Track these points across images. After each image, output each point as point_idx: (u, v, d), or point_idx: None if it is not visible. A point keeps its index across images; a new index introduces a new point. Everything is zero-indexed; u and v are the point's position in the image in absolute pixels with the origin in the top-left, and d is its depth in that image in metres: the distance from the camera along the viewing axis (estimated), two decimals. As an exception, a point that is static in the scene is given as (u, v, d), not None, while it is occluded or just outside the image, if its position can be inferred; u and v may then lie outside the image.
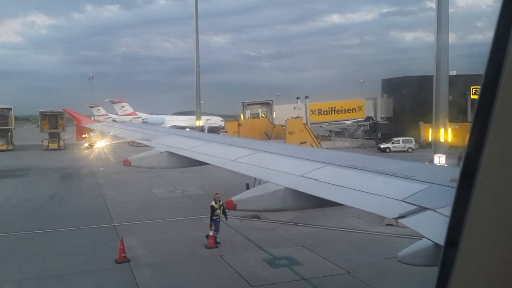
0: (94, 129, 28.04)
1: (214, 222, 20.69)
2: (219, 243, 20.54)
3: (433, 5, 24.95)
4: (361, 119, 79.25)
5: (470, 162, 1.74)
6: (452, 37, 25.12)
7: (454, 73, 59.89)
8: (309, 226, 23.50)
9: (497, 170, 1.68)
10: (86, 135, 26.86)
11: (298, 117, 54.05)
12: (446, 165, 21.78)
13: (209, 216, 20.79)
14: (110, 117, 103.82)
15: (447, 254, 1.84)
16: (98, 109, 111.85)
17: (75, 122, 34.37)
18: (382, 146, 64.84)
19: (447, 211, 4.56)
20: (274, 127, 56.35)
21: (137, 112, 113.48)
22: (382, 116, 76.51)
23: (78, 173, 45.34)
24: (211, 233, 20.37)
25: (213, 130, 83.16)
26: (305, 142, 39.57)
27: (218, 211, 20.69)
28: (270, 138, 49.86)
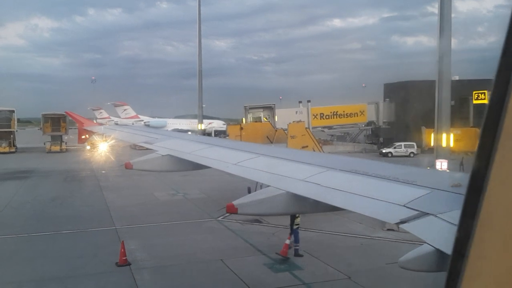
0: (96, 132, 28.10)
1: (295, 231, 19.60)
2: (302, 255, 19.35)
3: (434, 10, 25.06)
4: (363, 124, 79.25)
5: (480, 166, 1.70)
6: (453, 42, 25.10)
7: (457, 78, 59.89)
8: (310, 230, 23.43)
9: (508, 175, 1.64)
10: (87, 135, 26.91)
11: (300, 121, 54.05)
12: (448, 170, 21.74)
13: (291, 225, 19.50)
14: (113, 120, 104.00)
15: (454, 262, 1.80)
16: (100, 112, 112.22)
17: (77, 124, 34.49)
18: (384, 151, 64.80)
19: (449, 216, 4.56)
20: (276, 131, 56.29)
21: (139, 115, 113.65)
22: (384, 120, 76.50)
23: (80, 175, 45.37)
24: (287, 241, 19.37)
25: (220, 133, 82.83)
26: (307, 146, 39.52)
27: (299, 219, 19.44)
28: (272, 142, 49.86)
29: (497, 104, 1.65)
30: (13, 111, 72.42)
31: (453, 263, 1.81)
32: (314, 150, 37.76)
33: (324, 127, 76.66)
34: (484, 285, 1.71)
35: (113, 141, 22.69)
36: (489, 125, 1.68)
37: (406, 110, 72.08)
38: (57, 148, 71.39)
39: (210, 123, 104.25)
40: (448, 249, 3.96)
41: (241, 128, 54.79)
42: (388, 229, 22.43)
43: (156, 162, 12.32)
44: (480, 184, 1.68)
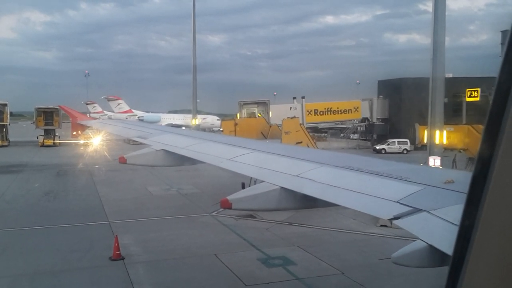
0: (89, 126, 27.95)
1: None
2: None
3: (426, 8, 25.31)
4: (357, 120, 79.40)
5: (483, 164, 1.70)
6: (445, 40, 25.27)
7: (450, 75, 60.08)
8: (304, 226, 23.54)
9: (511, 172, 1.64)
10: (79, 131, 26.75)
11: (294, 117, 54.02)
12: (441, 167, 21.87)
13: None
14: (106, 115, 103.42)
15: (457, 256, 1.80)
16: (94, 106, 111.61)
17: (70, 119, 34.27)
18: (377, 147, 65.01)
19: (442, 213, 4.60)
20: (271, 126, 56.28)
21: (133, 110, 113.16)
22: (378, 117, 76.71)
23: (73, 170, 45.18)
24: None
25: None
26: (301, 142, 39.58)
27: None
28: (266, 138, 49.85)
29: (501, 98, 1.65)
30: (5, 105, 71.85)
31: (455, 258, 1.81)
32: (308, 146, 37.85)
33: (318, 123, 76.73)
34: (487, 279, 1.72)
35: (107, 135, 22.59)
36: (493, 118, 1.67)
37: (399, 107, 72.35)
38: (50, 142, 70.97)
39: (204, 118, 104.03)
40: (441, 245, 4.01)
41: (236, 124, 54.74)
42: (381, 225, 22.55)
43: (150, 157, 12.32)
44: (483, 179, 1.68)
